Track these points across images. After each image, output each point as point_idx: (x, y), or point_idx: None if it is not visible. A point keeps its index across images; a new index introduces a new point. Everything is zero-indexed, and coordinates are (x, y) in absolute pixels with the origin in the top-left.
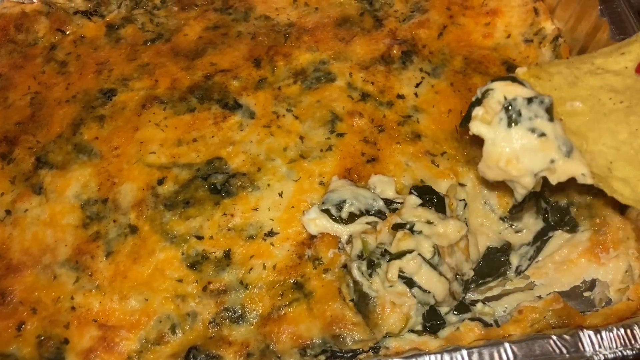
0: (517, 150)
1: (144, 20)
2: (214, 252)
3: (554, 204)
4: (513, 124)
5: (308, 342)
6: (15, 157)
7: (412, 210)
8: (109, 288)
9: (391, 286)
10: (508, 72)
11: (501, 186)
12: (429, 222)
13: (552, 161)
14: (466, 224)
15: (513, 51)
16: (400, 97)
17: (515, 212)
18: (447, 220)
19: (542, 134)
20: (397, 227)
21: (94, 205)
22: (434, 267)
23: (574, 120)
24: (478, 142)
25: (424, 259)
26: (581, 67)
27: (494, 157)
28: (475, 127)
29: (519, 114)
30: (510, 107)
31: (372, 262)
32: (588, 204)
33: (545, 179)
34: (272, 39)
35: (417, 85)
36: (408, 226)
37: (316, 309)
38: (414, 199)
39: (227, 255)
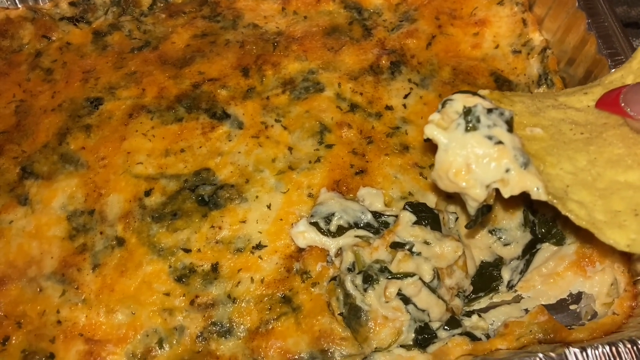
0: (471, 157)
1: (131, 27)
2: (202, 266)
3: (541, 217)
4: (470, 130)
5: (296, 357)
6: (0, 167)
7: (409, 228)
8: (95, 301)
9: (387, 302)
10: (496, 83)
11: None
12: (426, 242)
13: (507, 170)
14: (460, 238)
15: (501, 62)
16: (389, 108)
17: (470, 227)
18: (444, 240)
19: (500, 142)
20: (395, 245)
21: (81, 216)
22: (433, 290)
23: (533, 144)
24: (432, 149)
25: (423, 282)
26: (544, 101)
27: (445, 165)
28: (429, 131)
29: (478, 120)
30: (469, 113)
31: (369, 277)
32: None
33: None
34: (260, 47)
35: (406, 97)
36: (407, 247)
37: (304, 323)
38: (409, 216)
39: (215, 268)
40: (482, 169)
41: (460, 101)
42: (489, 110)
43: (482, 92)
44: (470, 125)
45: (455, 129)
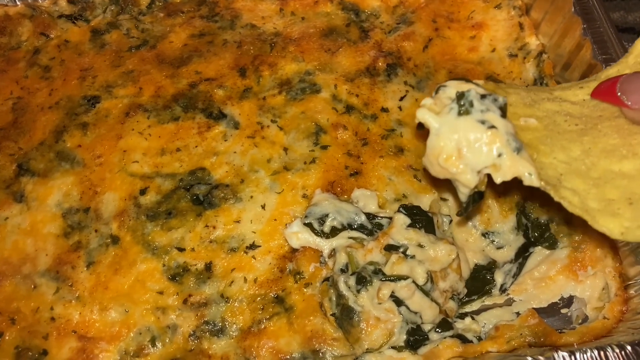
0: (462, 142)
1: (129, 25)
2: (195, 265)
3: (535, 220)
4: (463, 114)
5: (288, 357)
6: None
7: (403, 231)
8: (89, 299)
9: (380, 303)
10: None
11: (482, 202)
12: (420, 245)
13: (499, 155)
14: (454, 241)
15: (497, 66)
16: (385, 110)
17: (461, 214)
18: (438, 243)
19: (492, 127)
20: (389, 248)
21: (76, 214)
22: (426, 293)
23: (527, 134)
24: (424, 136)
25: (417, 285)
26: (539, 94)
27: (436, 151)
28: (421, 114)
29: (471, 104)
30: (462, 97)
31: (363, 278)
32: (568, 220)
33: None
34: (257, 48)
35: (402, 99)
36: (401, 249)
37: (296, 323)
38: (404, 218)
39: (209, 267)
40: (473, 153)
41: (453, 87)
42: (483, 96)
43: (476, 81)
44: (463, 109)
45: (448, 113)
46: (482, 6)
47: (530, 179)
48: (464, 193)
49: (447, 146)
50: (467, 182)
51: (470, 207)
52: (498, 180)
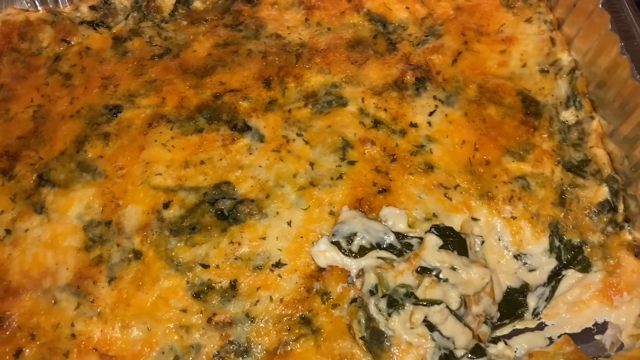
0: None
1: (152, 33)
2: (220, 282)
3: (567, 242)
4: None
5: None
6: (17, 174)
7: (435, 252)
8: (110, 316)
9: (412, 328)
10: (523, 103)
11: (513, 223)
12: (453, 268)
13: None
14: (486, 263)
15: (528, 81)
16: (413, 125)
17: None
18: (471, 266)
19: None
20: (422, 270)
21: (97, 227)
22: (460, 318)
23: None
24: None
25: (450, 310)
26: None
27: None
28: None
29: None
30: None
31: (394, 301)
32: (602, 244)
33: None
34: (283, 59)
35: (431, 114)
36: (434, 272)
37: (324, 346)
38: (435, 239)
39: (233, 285)
40: None
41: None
42: None
43: None
44: None
45: None
46: (512, 19)
47: None
48: None
49: None
50: None
51: None
52: None
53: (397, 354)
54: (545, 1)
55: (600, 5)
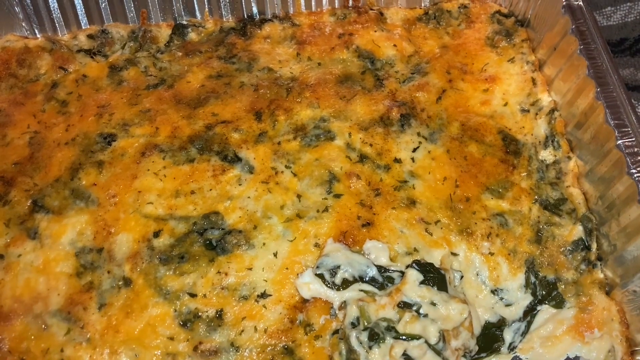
0: None
1: (147, 63)
2: (207, 311)
3: (542, 278)
4: None
5: None
6: (11, 199)
7: (416, 287)
8: (100, 342)
9: None
10: (503, 141)
11: (491, 259)
12: (433, 304)
13: None
14: (465, 298)
15: (509, 120)
16: (397, 161)
17: None
18: (450, 302)
19: None
20: (403, 305)
21: (89, 254)
22: (438, 352)
23: None
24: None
25: (429, 345)
26: None
27: None
28: None
29: None
30: None
31: (375, 334)
32: (575, 281)
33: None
34: (274, 92)
35: (414, 150)
36: (415, 307)
37: None
38: (416, 274)
39: (220, 315)
40: None
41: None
42: None
43: None
44: None
45: None
46: (496, 59)
47: None
48: None
49: None
50: None
51: None
52: None
53: None
54: (528, 42)
55: (578, 52)
